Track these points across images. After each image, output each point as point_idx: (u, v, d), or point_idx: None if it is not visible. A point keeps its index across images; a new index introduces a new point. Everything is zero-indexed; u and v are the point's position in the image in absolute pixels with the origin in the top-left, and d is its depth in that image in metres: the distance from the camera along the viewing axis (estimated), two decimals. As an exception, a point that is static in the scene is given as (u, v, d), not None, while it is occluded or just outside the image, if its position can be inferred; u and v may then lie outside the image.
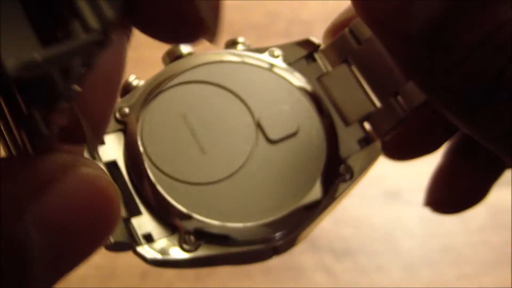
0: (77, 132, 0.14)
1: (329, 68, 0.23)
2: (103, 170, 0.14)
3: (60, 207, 0.13)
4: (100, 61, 0.12)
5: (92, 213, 0.13)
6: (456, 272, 0.43)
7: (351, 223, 0.44)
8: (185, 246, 0.20)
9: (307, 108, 0.22)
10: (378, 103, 0.22)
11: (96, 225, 0.13)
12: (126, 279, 0.41)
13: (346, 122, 0.22)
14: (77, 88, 0.12)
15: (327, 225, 0.42)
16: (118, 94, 0.16)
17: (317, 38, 0.24)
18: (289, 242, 0.21)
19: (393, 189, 0.45)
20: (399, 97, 0.21)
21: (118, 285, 0.41)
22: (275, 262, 0.41)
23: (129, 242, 0.19)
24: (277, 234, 0.20)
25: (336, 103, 0.22)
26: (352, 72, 0.22)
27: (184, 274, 0.42)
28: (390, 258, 0.43)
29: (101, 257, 0.41)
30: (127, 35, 0.15)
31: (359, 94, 0.22)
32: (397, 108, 0.21)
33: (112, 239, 0.19)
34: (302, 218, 0.20)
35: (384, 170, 0.45)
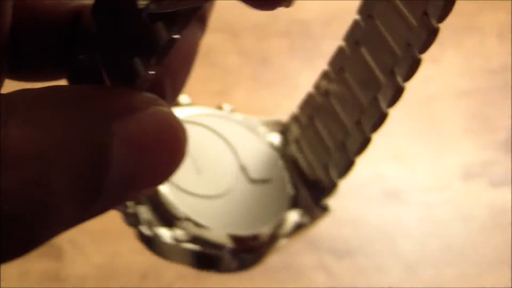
0: (158, 89, 0.16)
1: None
2: (178, 117, 0.16)
3: (141, 129, 0.14)
4: (187, 37, 0.16)
5: (164, 144, 0.15)
6: (456, 272, 0.43)
7: (351, 223, 0.44)
8: (176, 238, 0.23)
9: (277, 164, 0.26)
10: None
11: (165, 156, 0.15)
12: (126, 279, 0.41)
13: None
14: (175, 38, 0.14)
15: (327, 225, 0.43)
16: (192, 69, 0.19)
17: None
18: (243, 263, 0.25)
19: (392, 189, 0.45)
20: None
21: (118, 285, 0.41)
22: (274, 262, 0.42)
23: (135, 220, 0.23)
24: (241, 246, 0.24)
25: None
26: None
27: (184, 274, 0.42)
28: (390, 258, 0.43)
29: (101, 257, 0.42)
30: (203, 26, 0.18)
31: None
32: None
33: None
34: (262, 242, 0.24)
35: (383, 170, 0.46)
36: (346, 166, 0.23)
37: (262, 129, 0.27)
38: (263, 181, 0.25)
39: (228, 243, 0.23)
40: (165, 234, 0.23)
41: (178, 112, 0.25)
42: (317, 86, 0.24)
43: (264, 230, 0.24)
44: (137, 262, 0.42)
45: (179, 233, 0.23)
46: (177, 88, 0.18)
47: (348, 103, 0.23)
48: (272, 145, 0.27)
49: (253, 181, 0.25)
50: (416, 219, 0.44)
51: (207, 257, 0.23)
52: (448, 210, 0.44)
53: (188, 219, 0.23)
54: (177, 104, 0.26)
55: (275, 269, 0.43)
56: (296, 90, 0.48)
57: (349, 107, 0.23)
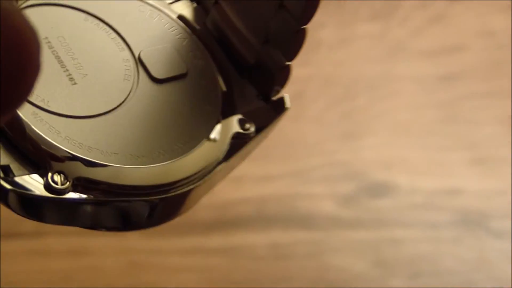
0: None
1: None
2: (18, 7, 0.11)
3: None
4: None
5: (4, 54, 0.11)
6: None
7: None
8: (52, 186, 0.16)
9: (197, 49, 0.19)
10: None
11: (6, 75, 0.11)
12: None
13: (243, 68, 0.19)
14: None
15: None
16: None
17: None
18: (172, 202, 0.18)
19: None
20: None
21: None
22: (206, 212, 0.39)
23: None
24: (161, 187, 0.17)
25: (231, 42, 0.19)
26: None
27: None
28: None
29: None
30: None
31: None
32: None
33: None
34: (189, 171, 0.18)
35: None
36: (293, 38, 0.17)
37: None
38: (174, 79, 0.19)
39: (136, 182, 0.17)
40: (36, 183, 0.16)
41: None
42: None
43: (189, 158, 0.18)
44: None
45: (58, 179, 0.16)
46: None
47: None
48: (179, 18, 0.20)
49: (159, 81, 0.19)
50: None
51: (106, 208, 0.17)
52: None
53: (70, 157, 0.16)
54: None
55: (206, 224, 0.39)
56: None
57: None
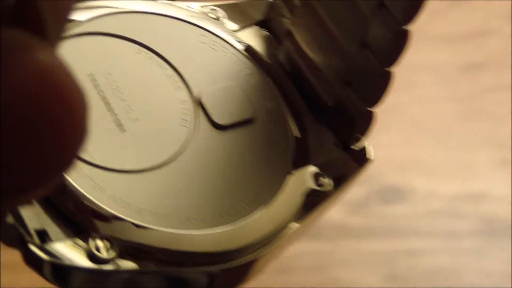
0: (31, 16, 0.10)
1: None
2: (65, 61, 0.10)
3: None
4: None
5: (41, 119, 0.10)
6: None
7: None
8: (95, 255, 0.15)
9: (267, 88, 0.18)
10: None
11: (49, 143, 0.10)
12: None
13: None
14: None
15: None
16: None
17: None
18: (235, 272, 0.16)
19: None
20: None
21: None
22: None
23: (20, 231, 0.15)
24: (222, 255, 0.16)
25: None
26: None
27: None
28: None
29: None
30: None
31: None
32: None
33: None
34: (254, 236, 0.16)
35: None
36: (378, 79, 0.16)
37: (223, 22, 0.19)
38: (239, 125, 0.17)
39: (192, 249, 0.15)
40: (77, 251, 0.15)
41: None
42: None
43: (255, 220, 0.16)
44: None
45: (102, 245, 0.15)
46: (63, 11, 0.12)
47: None
48: (246, 50, 0.18)
49: (221, 127, 0.17)
50: None
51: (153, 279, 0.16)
52: None
53: (117, 219, 0.15)
54: None
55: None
56: None
57: None
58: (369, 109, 0.17)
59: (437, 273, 0.38)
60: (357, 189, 0.40)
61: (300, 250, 0.38)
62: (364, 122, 0.17)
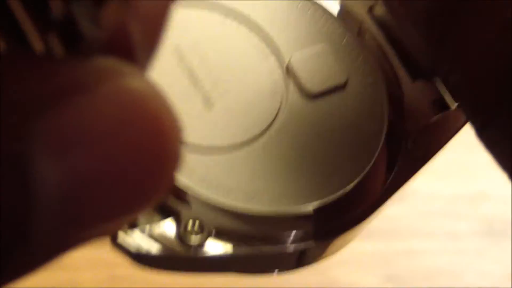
0: (123, 44, 0.10)
1: None
2: (159, 88, 0.10)
3: (81, 127, 0.09)
4: None
5: (131, 147, 0.10)
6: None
7: None
8: (187, 238, 0.14)
9: (359, 51, 0.17)
10: None
11: (135, 168, 0.10)
12: None
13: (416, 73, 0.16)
14: None
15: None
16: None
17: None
18: (324, 246, 0.16)
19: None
20: None
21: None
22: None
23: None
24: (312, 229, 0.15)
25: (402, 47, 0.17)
26: None
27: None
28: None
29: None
30: None
31: None
32: None
33: None
34: (350, 210, 0.16)
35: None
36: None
37: None
38: (333, 91, 0.16)
39: (283, 229, 0.15)
40: (166, 234, 0.14)
41: None
42: None
43: (348, 189, 0.15)
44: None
45: (192, 227, 0.15)
46: (154, 39, 0.12)
47: None
48: (338, 17, 0.17)
49: (315, 96, 0.16)
50: None
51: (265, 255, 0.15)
52: None
53: (207, 200, 0.14)
54: None
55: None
56: None
57: None
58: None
59: (437, 273, 0.38)
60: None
61: (299, 250, 0.39)
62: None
